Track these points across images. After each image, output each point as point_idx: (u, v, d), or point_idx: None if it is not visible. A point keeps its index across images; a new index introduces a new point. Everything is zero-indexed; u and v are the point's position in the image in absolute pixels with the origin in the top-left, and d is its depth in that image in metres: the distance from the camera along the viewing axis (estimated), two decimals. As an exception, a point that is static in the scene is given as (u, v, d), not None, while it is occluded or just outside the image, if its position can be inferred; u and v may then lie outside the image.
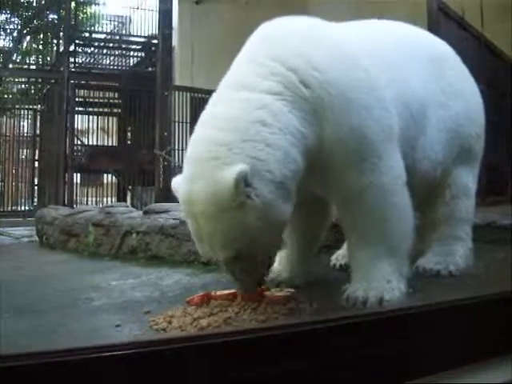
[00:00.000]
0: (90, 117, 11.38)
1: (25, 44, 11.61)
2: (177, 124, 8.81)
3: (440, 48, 2.43)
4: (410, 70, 2.09)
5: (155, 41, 9.43)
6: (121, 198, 10.57)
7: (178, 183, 1.71)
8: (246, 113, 1.61)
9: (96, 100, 11.53)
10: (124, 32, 12.34)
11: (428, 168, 2.19)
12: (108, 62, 11.83)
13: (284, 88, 1.67)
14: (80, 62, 11.34)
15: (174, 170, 7.95)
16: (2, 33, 11.02)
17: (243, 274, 1.68)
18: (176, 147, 8.62)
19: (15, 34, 11.21)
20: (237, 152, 1.54)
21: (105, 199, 11.29)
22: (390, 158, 1.83)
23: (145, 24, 10.96)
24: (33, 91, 11.57)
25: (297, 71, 1.70)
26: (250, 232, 1.55)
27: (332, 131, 1.72)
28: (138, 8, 11.46)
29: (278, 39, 1.81)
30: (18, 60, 11.32)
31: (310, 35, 1.85)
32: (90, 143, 11.04)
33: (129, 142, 11.25)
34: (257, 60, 1.74)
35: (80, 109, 10.85)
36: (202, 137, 1.66)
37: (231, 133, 1.58)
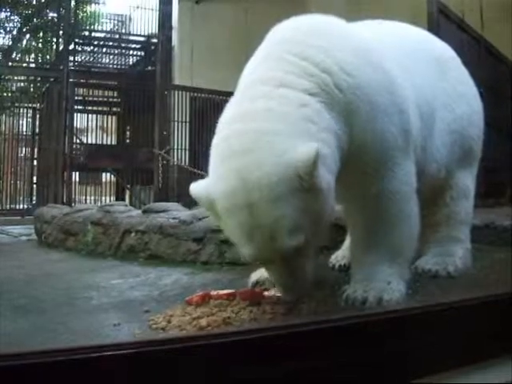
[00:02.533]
0: (90, 115, 11.41)
1: (24, 42, 11.62)
2: (176, 123, 8.79)
3: (442, 49, 2.43)
4: (416, 70, 2.08)
5: (155, 40, 9.45)
6: (119, 196, 10.58)
7: (201, 185, 1.57)
8: (292, 108, 1.53)
9: (95, 99, 11.56)
10: (124, 31, 12.34)
11: (435, 170, 2.19)
12: (107, 60, 11.83)
13: (320, 90, 1.62)
14: (79, 60, 11.35)
15: (173, 169, 7.97)
16: (1, 31, 11.02)
17: (298, 272, 1.58)
18: (175, 146, 8.62)
19: (15, 32, 11.21)
20: (296, 139, 1.46)
21: (103, 198, 11.28)
22: (406, 164, 1.82)
23: (145, 23, 10.97)
24: (32, 89, 11.56)
25: (331, 74, 1.65)
26: (316, 216, 1.49)
27: (358, 136, 1.70)
28: (137, 7, 11.45)
29: (305, 38, 1.74)
30: (17, 58, 11.32)
31: (335, 35, 1.81)
32: (89, 142, 11.06)
33: (128, 141, 11.27)
34: (285, 58, 1.66)
35: (79, 107, 10.87)
36: (246, 130, 1.50)
37: (283, 125, 1.49)
